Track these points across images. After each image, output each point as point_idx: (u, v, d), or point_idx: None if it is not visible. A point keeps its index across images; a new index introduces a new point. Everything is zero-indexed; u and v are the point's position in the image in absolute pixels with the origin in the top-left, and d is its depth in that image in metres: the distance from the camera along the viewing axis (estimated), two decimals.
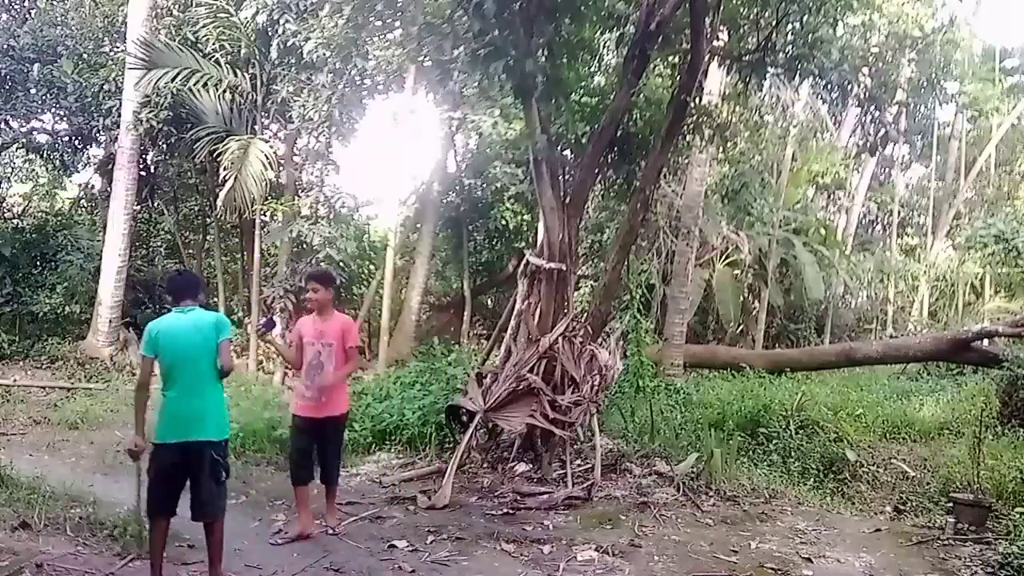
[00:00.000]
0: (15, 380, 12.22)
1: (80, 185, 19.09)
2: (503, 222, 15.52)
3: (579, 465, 7.65)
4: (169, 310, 4.85)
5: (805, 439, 8.34)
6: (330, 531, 6.00)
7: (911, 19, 15.09)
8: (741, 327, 17.75)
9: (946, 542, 6.20)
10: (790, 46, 8.79)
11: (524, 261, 8.60)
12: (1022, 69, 23.84)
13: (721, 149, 12.25)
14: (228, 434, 4.89)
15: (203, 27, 13.18)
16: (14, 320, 14.17)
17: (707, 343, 16.67)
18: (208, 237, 17.54)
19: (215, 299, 16.40)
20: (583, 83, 10.07)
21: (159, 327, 4.74)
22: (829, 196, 23.25)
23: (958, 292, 20.97)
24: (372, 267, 16.71)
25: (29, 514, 5.35)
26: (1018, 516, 6.06)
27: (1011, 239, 16.44)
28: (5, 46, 14.87)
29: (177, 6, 14.49)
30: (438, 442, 8.42)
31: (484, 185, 15.95)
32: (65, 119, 16.10)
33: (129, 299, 14.81)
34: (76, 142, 16.47)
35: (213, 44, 13.16)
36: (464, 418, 7.91)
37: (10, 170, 18.95)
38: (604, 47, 10.14)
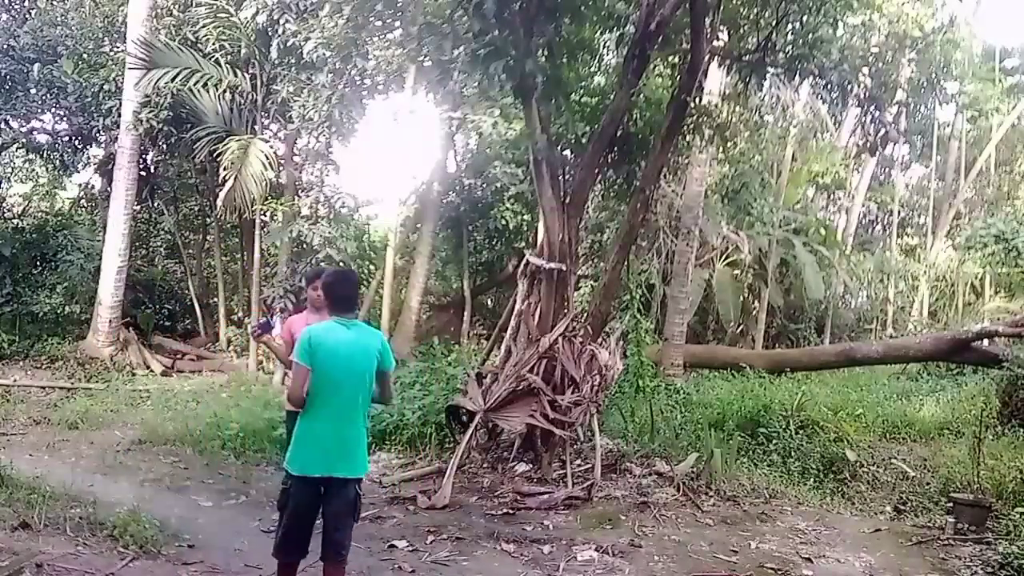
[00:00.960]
0: (15, 380, 12.21)
1: (80, 185, 19.09)
2: (503, 222, 15.52)
3: (579, 465, 7.65)
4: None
5: (805, 439, 8.34)
6: None
7: (911, 19, 15.09)
8: (741, 327, 17.75)
9: (946, 542, 6.20)
10: (790, 46, 8.80)
11: (524, 261, 8.60)
12: (1022, 69, 23.83)
13: (721, 149, 12.25)
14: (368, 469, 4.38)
15: (203, 27, 13.18)
16: (14, 320, 14.16)
17: (707, 343, 16.67)
18: (208, 237, 17.55)
19: (215, 299, 16.42)
20: (583, 83, 10.08)
21: (319, 336, 4.09)
22: (829, 196, 23.24)
23: (958, 292, 20.97)
24: (372, 267, 16.71)
25: (29, 514, 5.34)
26: (1018, 516, 6.06)
27: (1011, 239, 16.42)
28: (5, 46, 14.86)
29: (177, 6, 14.49)
30: (438, 442, 8.42)
31: (484, 185, 15.94)
32: (65, 119, 16.10)
33: (129, 299, 14.81)
34: (76, 142, 16.46)
35: (213, 44, 13.16)
36: (464, 418, 7.91)
37: (10, 170, 18.94)
38: (604, 47, 10.14)
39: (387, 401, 4.33)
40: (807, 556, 5.86)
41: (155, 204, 17.21)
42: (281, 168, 14.65)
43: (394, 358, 4.33)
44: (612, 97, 8.98)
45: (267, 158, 13.10)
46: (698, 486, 7.33)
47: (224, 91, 13.47)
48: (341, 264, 13.57)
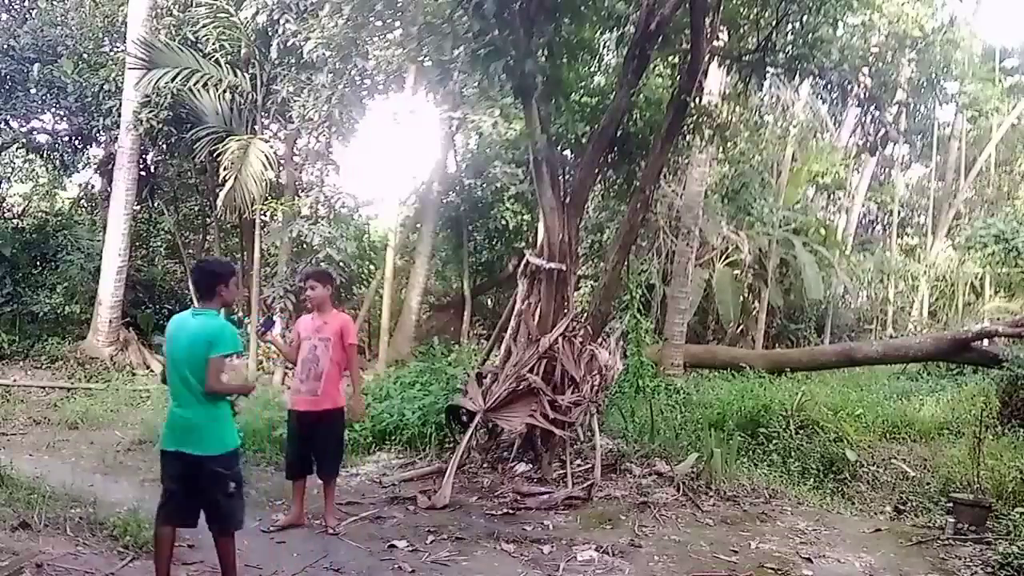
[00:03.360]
0: (15, 380, 12.22)
1: (80, 185, 19.10)
2: (503, 222, 15.52)
3: (579, 465, 7.64)
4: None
5: (805, 439, 8.34)
6: (330, 531, 6.00)
7: (911, 19, 15.10)
8: (741, 327, 17.76)
9: (946, 542, 6.20)
10: (790, 46, 8.79)
11: (524, 261, 8.59)
12: (1022, 69, 23.85)
13: (721, 149, 12.24)
14: (234, 445, 4.57)
15: (203, 27, 13.18)
16: (14, 320, 14.16)
17: (707, 343, 16.68)
18: (208, 237, 17.55)
19: None
20: (583, 83, 10.07)
21: (170, 326, 4.60)
22: (829, 196, 23.26)
23: (958, 292, 20.98)
24: (372, 267, 16.72)
25: (29, 514, 5.34)
26: (1018, 516, 6.06)
27: (1011, 239, 16.44)
28: (5, 46, 14.86)
29: (177, 6, 14.49)
30: (438, 442, 8.42)
31: (484, 185, 15.95)
32: (65, 119, 16.09)
33: (129, 299, 14.81)
34: (76, 142, 16.47)
35: (213, 44, 13.17)
36: (464, 418, 7.91)
37: (10, 170, 18.93)
38: (604, 47, 10.14)
39: (207, 387, 4.35)
40: (807, 556, 5.86)
41: (155, 204, 17.21)
42: (281, 168, 14.65)
43: (231, 344, 4.45)
44: (612, 97, 8.97)
45: (267, 158, 13.10)
46: (698, 486, 7.33)
47: (224, 91, 13.47)
48: (341, 264, 13.59)
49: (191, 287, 4.59)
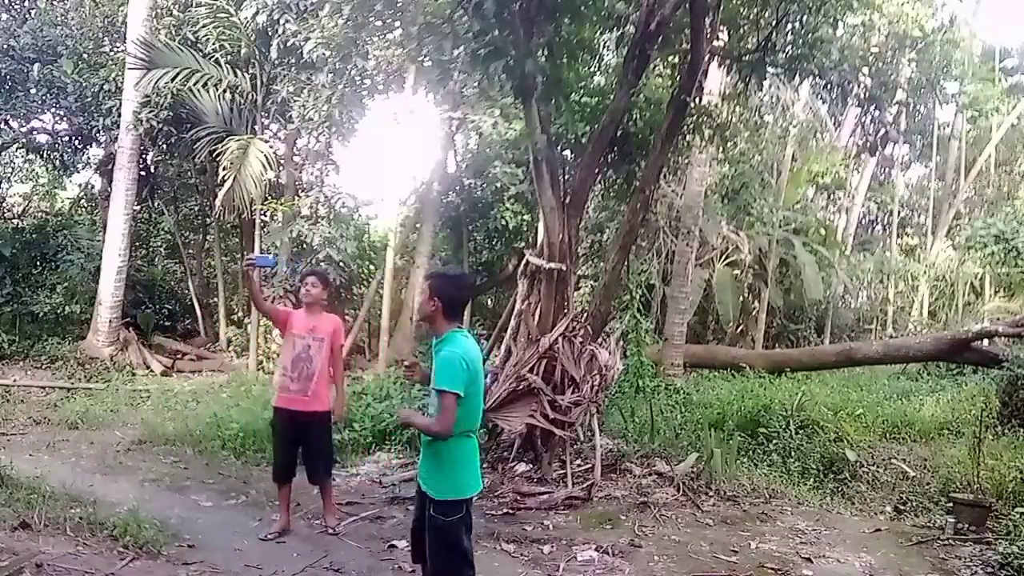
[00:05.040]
0: (15, 380, 12.21)
1: (80, 185, 19.10)
2: (503, 222, 15.51)
3: (579, 465, 7.65)
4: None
5: (805, 439, 8.34)
6: (330, 531, 6.00)
7: (911, 19, 15.08)
8: (741, 327, 17.75)
9: (946, 542, 6.20)
10: (790, 46, 8.79)
11: (524, 261, 8.60)
12: (1022, 69, 23.84)
13: (721, 149, 12.24)
14: None
15: (203, 27, 13.18)
16: (14, 320, 14.16)
17: (707, 343, 16.67)
18: (208, 237, 17.55)
19: (215, 299, 16.42)
20: (583, 83, 10.06)
21: (469, 355, 3.77)
22: (829, 196, 23.25)
23: (958, 292, 20.96)
24: (372, 267, 16.71)
25: (29, 514, 5.34)
26: (1018, 516, 6.06)
27: (1011, 239, 16.42)
28: (5, 46, 14.85)
29: (177, 6, 14.48)
30: None
31: (484, 185, 15.94)
32: (65, 119, 16.09)
33: (129, 299, 14.80)
34: (76, 142, 16.46)
35: (213, 44, 13.16)
36: None
37: (10, 170, 18.94)
38: (604, 47, 10.13)
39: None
40: (807, 556, 5.86)
41: (155, 204, 17.21)
42: (281, 168, 14.65)
43: None
44: (612, 97, 8.97)
45: (267, 158, 13.10)
46: (698, 486, 7.33)
47: (224, 91, 13.47)
48: (341, 264, 13.58)
49: (456, 303, 3.97)
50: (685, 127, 9.39)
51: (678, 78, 9.19)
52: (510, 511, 6.79)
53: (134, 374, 13.33)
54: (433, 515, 3.88)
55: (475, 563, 3.90)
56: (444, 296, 3.89)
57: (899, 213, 24.52)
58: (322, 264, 12.75)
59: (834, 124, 21.33)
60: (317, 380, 5.89)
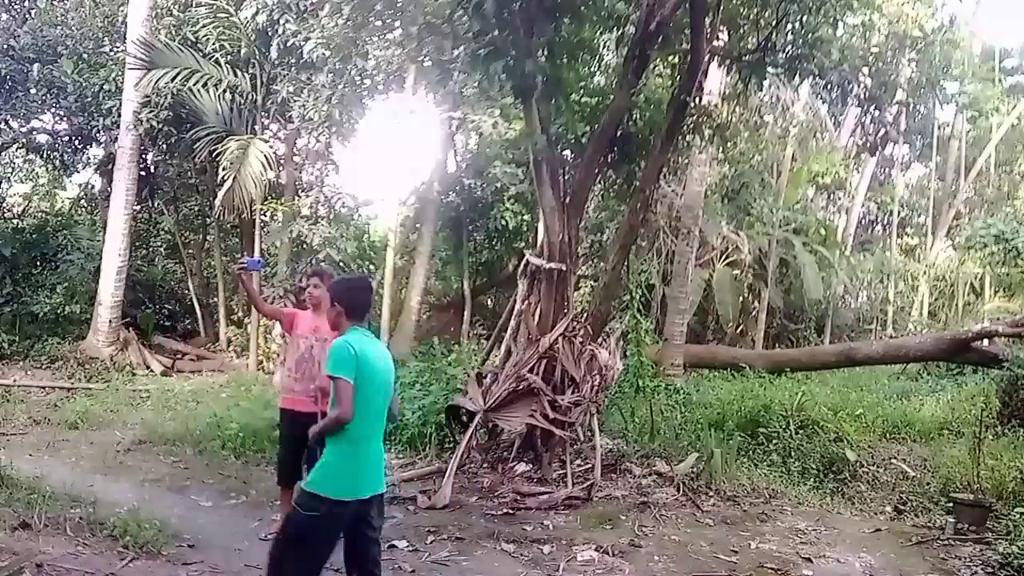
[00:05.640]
0: (15, 380, 12.20)
1: (80, 185, 19.09)
2: (503, 222, 15.52)
3: (579, 465, 7.65)
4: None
5: (805, 439, 8.33)
6: None
7: (911, 19, 15.08)
8: (741, 327, 17.76)
9: (946, 542, 6.20)
10: (790, 46, 8.80)
11: (524, 261, 8.60)
12: (1022, 69, 23.85)
13: (721, 149, 12.25)
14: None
15: (203, 27, 13.18)
16: (14, 320, 14.16)
17: (707, 343, 16.68)
18: (208, 237, 17.55)
19: (215, 299, 16.43)
20: (583, 83, 10.07)
21: (358, 347, 3.82)
22: (829, 196, 23.26)
23: (958, 292, 20.96)
24: (372, 267, 16.71)
25: (29, 514, 5.34)
26: (1018, 516, 6.06)
27: (1011, 239, 16.43)
28: (5, 46, 14.86)
29: (177, 6, 14.49)
30: (438, 442, 8.42)
31: (484, 185, 15.94)
32: (65, 119, 16.10)
33: (129, 299, 14.80)
34: (76, 142, 16.47)
35: (213, 44, 13.16)
36: (464, 418, 7.91)
37: (10, 170, 18.94)
38: (604, 47, 10.14)
39: (395, 417, 4.23)
40: (807, 556, 5.86)
41: (155, 204, 17.21)
42: (281, 168, 14.65)
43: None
44: (612, 97, 8.98)
45: (267, 158, 13.10)
46: (698, 486, 7.33)
47: (224, 91, 13.47)
48: (341, 264, 13.58)
49: (355, 305, 4.00)
50: (685, 127, 9.39)
51: (678, 78, 9.20)
52: (510, 511, 6.79)
53: (134, 374, 13.33)
54: (295, 502, 3.95)
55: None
56: (344, 301, 4.00)
57: (899, 213, 24.52)
58: (322, 264, 12.74)
59: (834, 124, 21.31)
60: (321, 380, 5.88)
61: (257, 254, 13.72)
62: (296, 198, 14.15)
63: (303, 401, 5.88)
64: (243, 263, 5.95)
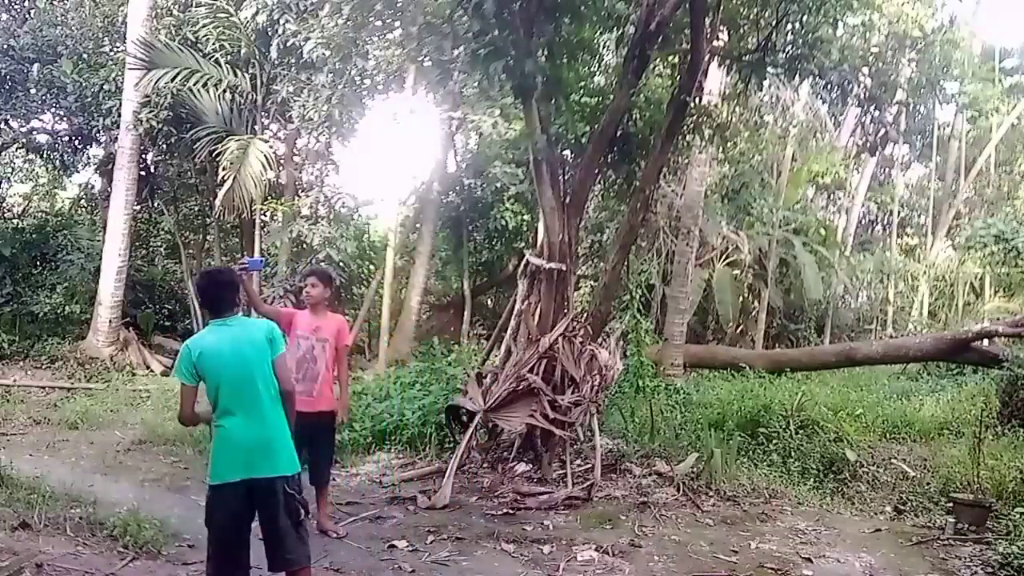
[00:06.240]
0: (15, 380, 12.21)
1: (80, 185, 19.11)
2: (503, 222, 15.52)
3: (579, 465, 7.65)
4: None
5: (805, 439, 8.32)
6: (331, 534, 5.99)
7: (911, 19, 15.08)
8: (741, 327, 17.76)
9: (946, 542, 6.20)
10: (790, 46, 8.80)
11: (524, 261, 8.60)
12: (1022, 69, 23.83)
13: (721, 149, 12.24)
14: (299, 466, 4.14)
15: (203, 27, 13.18)
16: (14, 320, 14.16)
17: (707, 343, 16.67)
18: (208, 237, 17.55)
19: None
20: (583, 83, 10.07)
21: (200, 347, 3.96)
22: (829, 196, 23.26)
23: (958, 292, 20.96)
24: (372, 267, 16.71)
25: (29, 514, 5.34)
26: (1018, 516, 6.06)
27: (1011, 239, 16.43)
28: (5, 46, 14.86)
29: (177, 6, 14.49)
30: (438, 442, 8.42)
31: (484, 185, 15.95)
32: (65, 119, 16.10)
33: (129, 299, 14.81)
34: (76, 142, 16.47)
35: (213, 44, 13.16)
36: (464, 418, 7.91)
37: (10, 170, 18.94)
38: (604, 47, 10.14)
39: (285, 387, 4.09)
40: (807, 556, 5.86)
41: (155, 204, 17.20)
42: (281, 168, 14.65)
43: (283, 342, 4.24)
44: (612, 97, 8.98)
45: (267, 158, 13.10)
46: (698, 486, 7.33)
47: (224, 91, 13.47)
48: (341, 264, 13.58)
49: (207, 301, 4.18)
50: (685, 127, 9.39)
51: (678, 78, 9.20)
52: (510, 511, 6.79)
53: (134, 374, 13.34)
54: None
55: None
56: (199, 294, 4.26)
57: (899, 213, 24.53)
58: (322, 264, 12.74)
59: (834, 124, 21.32)
60: (321, 381, 5.89)
61: (257, 254, 13.72)
62: (296, 198, 14.14)
63: (304, 401, 5.87)
64: (244, 263, 5.94)
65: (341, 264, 13.60)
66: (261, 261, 6.60)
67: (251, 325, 4.20)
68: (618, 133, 8.92)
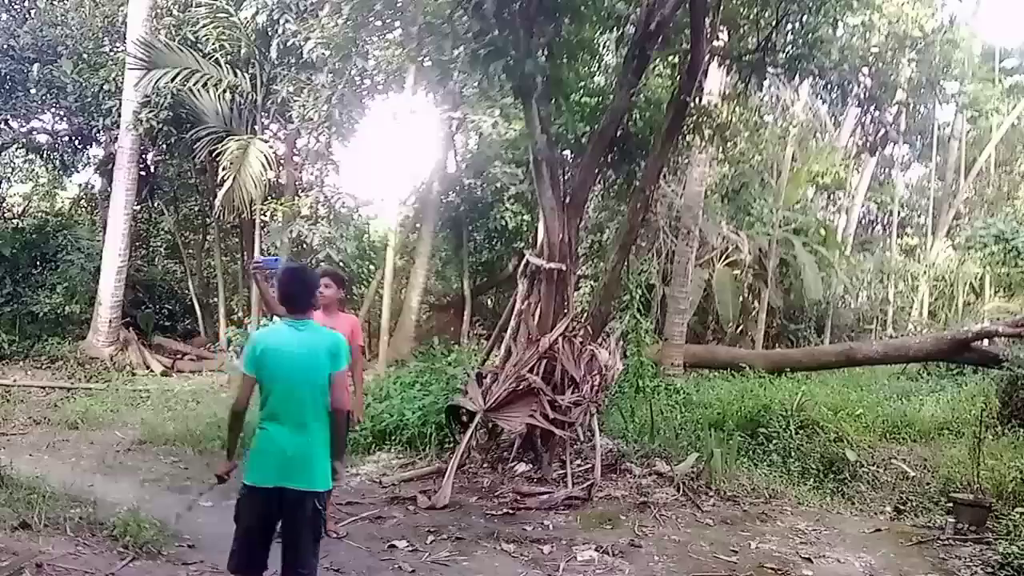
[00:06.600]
0: (15, 380, 12.21)
1: (80, 185, 19.12)
2: (503, 222, 15.52)
3: (579, 465, 7.64)
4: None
5: (805, 439, 8.33)
6: (332, 535, 5.98)
7: (911, 19, 15.07)
8: (741, 327, 17.75)
9: (946, 542, 6.20)
10: (790, 46, 8.80)
11: (524, 261, 8.60)
12: (1022, 69, 23.84)
13: (721, 149, 12.24)
14: (331, 484, 4.08)
15: (203, 27, 13.18)
16: (14, 320, 14.17)
17: (707, 343, 16.67)
18: (208, 237, 17.56)
19: (215, 299, 16.42)
20: (583, 83, 10.07)
21: (265, 343, 3.98)
22: (829, 196, 23.24)
23: (958, 292, 20.97)
24: (372, 267, 16.71)
25: (29, 514, 5.34)
26: (1018, 516, 6.06)
27: (1011, 239, 16.42)
28: (5, 46, 14.87)
29: (177, 6, 14.49)
30: (438, 442, 8.41)
31: (484, 185, 15.95)
32: (65, 119, 16.11)
33: (129, 299, 14.82)
34: (76, 142, 16.48)
35: (213, 44, 13.17)
36: (464, 418, 7.91)
37: (10, 170, 18.95)
38: (604, 47, 10.14)
39: (335, 405, 4.01)
40: (807, 556, 5.86)
41: (155, 204, 17.22)
42: (281, 168, 14.65)
43: (347, 358, 4.12)
44: (612, 97, 8.98)
45: (267, 158, 13.10)
46: (698, 486, 7.33)
47: (224, 91, 13.47)
48: (341, 264, 13.58)
49: (285, 298, 4.14)
50: (685, 127, 9.39)
51: (678, 78, 9.19)
52: (510, 511, 6.79)
53: (134, 374, 13.34)
54: None
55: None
56: (278, 288, 4.24)
57: (899, 213, 24.53)
58: (322, 264, 12.75)
59: (834, 124, 21.32)
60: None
61: (258, 254, 13.72)
62: (296, 198, 14.14)
63: None
64: (258, 262, 5.93)
65: (341, 264, 13.60)
66: (276, 260, 6.54)
67: (319, 335, 4.07)
68: (618, 133, 8.92)
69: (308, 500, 3.87)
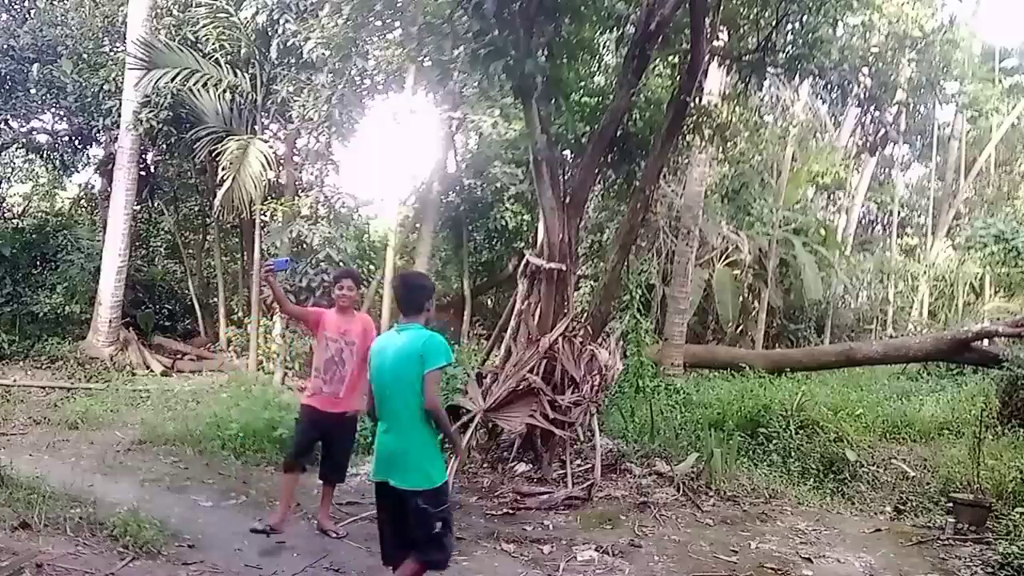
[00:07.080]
0: (15, 380, 12.20)
1: (80, 185, 19.10)
2: (503, 222, 15.51)
3: (579, 465, 7.65)
4: None
5: (805, 439, 8.33)
6: (332, 534, 5.99)
7: (911, 19, 15.07)
8: (741, 327, 17.76)
9: (946, 542, 6.20)
10: (790, 46, 8.81)
11: (524, 261, 8.60)
12: (1022, 69, 23.84)
13: (721, 149, 12.25)
14: (441, 479, 4.16)
15: (203, 27, 13.16)
16: (14, 320, 14.15)
17: (707, 343, 16.68)
18: (208, 237, 17.54)
19: (215, 299, 16.42)
20: (583, 83, 10.07)
21: (376, 347, 4.31)
22: (829, 196, 23.26)
23: (958, 292, 20.97)
24: (372, 267, 16.70)
25: (29, 514, 5.33)
26: (1018, 516, 6.07)
27: (1011, 239, 16.42)
28: (5, 46, 14.85)
29: (177, 6, 14.47)
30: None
31: (484, 185, 15.94)
32: (65, 119, 16.09)
33: (129, 299, 14.79)
34: (76, 142, 16.46)
35: (213, 44, 13.15)
36: (464, 418, 7.91)
37: (10, 170, 18.94)
38: (604, 47, 10.14)
39: (427, 404, 4.03)
40: (807, 556, 5.86)
41: (155, 204, 17.20)
42: (281, 168, 14.63)
43: (443, 356, 4.10)
44: (612, 97, 8.98)
45: (267, 158, 13.08)
46: (698, 486, 7.33)
47: (224, 91, 13.45)
48: (341, 264, 13.55)
49: (400, 303, 4.34)
50: (685, 127, 9.39)
51: (678, 78, 9.19)
52: (510, 511, 6.79)
53: (134, 374, 13.32)
54: None
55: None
56: (395, 294, 4.67)
57: (899, 213, 24.54)
58: (322, 264, 12.74)
59: (834, 124, 21.33)
60: (348, 383, 5.91)
61: (258, 254, 13.72)
62: (296, 198, 14.12)
63: (329, 401, 5.90)
64: (270, 264, 5.98)
65: (341, 264, 13.57)
66: (287, 261, 6.58)
67: (414, 336, 4.12)
68: (618, 133, 8.92)
69: (410, 497, 4.04)
